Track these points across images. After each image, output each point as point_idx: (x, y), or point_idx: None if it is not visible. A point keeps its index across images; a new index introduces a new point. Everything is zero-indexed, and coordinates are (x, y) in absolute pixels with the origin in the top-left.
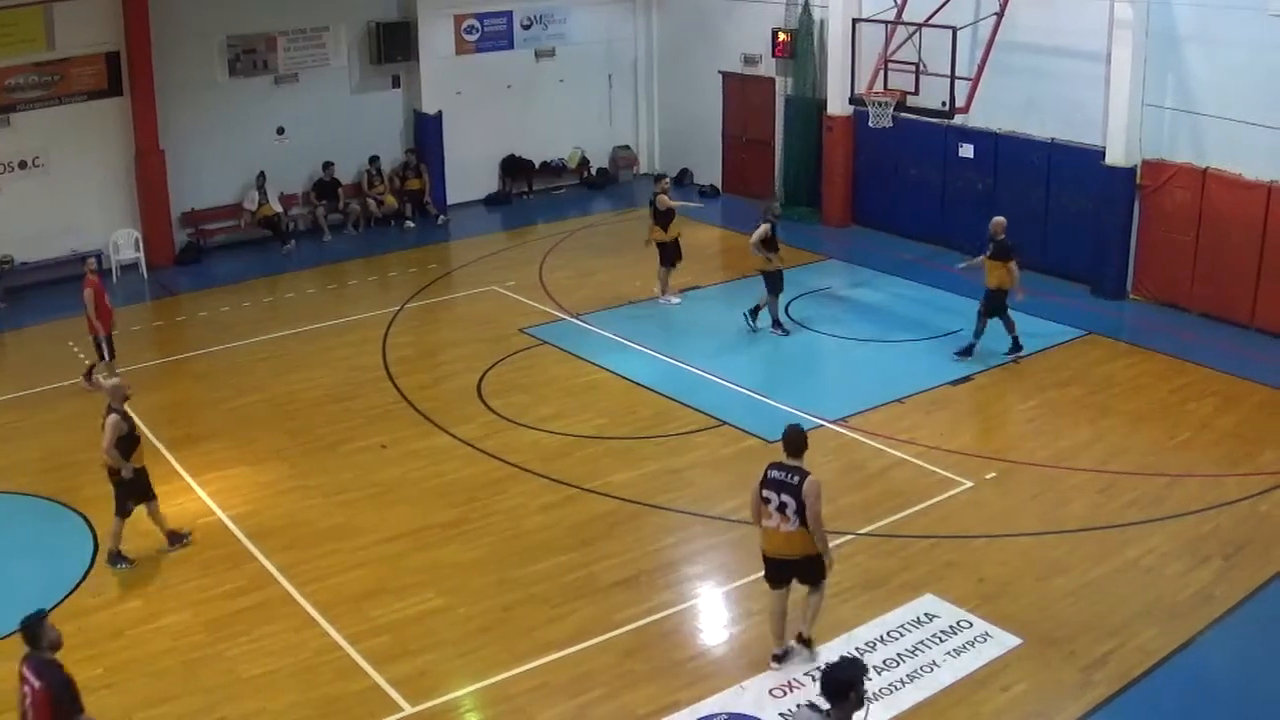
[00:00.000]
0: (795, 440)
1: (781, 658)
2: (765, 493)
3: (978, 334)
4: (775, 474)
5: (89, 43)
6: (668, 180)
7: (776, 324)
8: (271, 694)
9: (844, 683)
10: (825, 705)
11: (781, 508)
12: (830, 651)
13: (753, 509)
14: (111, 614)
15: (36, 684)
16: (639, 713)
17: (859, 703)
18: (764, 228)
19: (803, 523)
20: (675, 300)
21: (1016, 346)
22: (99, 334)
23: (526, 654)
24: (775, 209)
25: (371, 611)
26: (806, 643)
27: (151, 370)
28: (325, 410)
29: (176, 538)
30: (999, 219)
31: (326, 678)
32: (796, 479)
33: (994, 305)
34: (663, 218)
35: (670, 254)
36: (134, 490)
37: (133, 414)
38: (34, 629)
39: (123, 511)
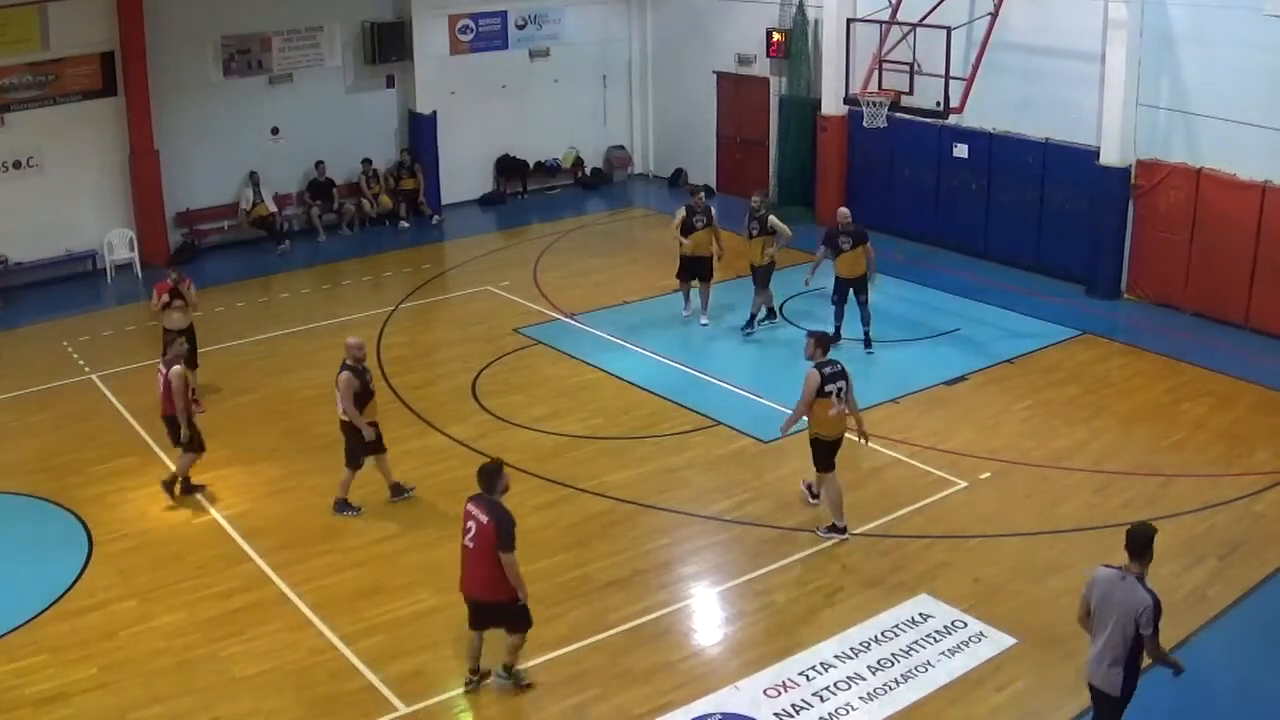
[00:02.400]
0: None
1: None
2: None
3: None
4: None
5: (84, 43)
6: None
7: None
8: (266, 694)
9: (1148, 538)
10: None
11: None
12: (824, 652)
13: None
14: (106, 614)
15: (484, 519)
16: (634, 712)
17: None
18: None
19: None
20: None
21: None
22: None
23: (521, 654)
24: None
25: (366, 611)
26: None
27: (146, 370)
28: (320, 410)
29: (400, 490)
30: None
31: (321, 678)
32: None
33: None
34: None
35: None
36: (368, 443)
37: (368, 369)
38: (492, 475)
39: (353, 464)
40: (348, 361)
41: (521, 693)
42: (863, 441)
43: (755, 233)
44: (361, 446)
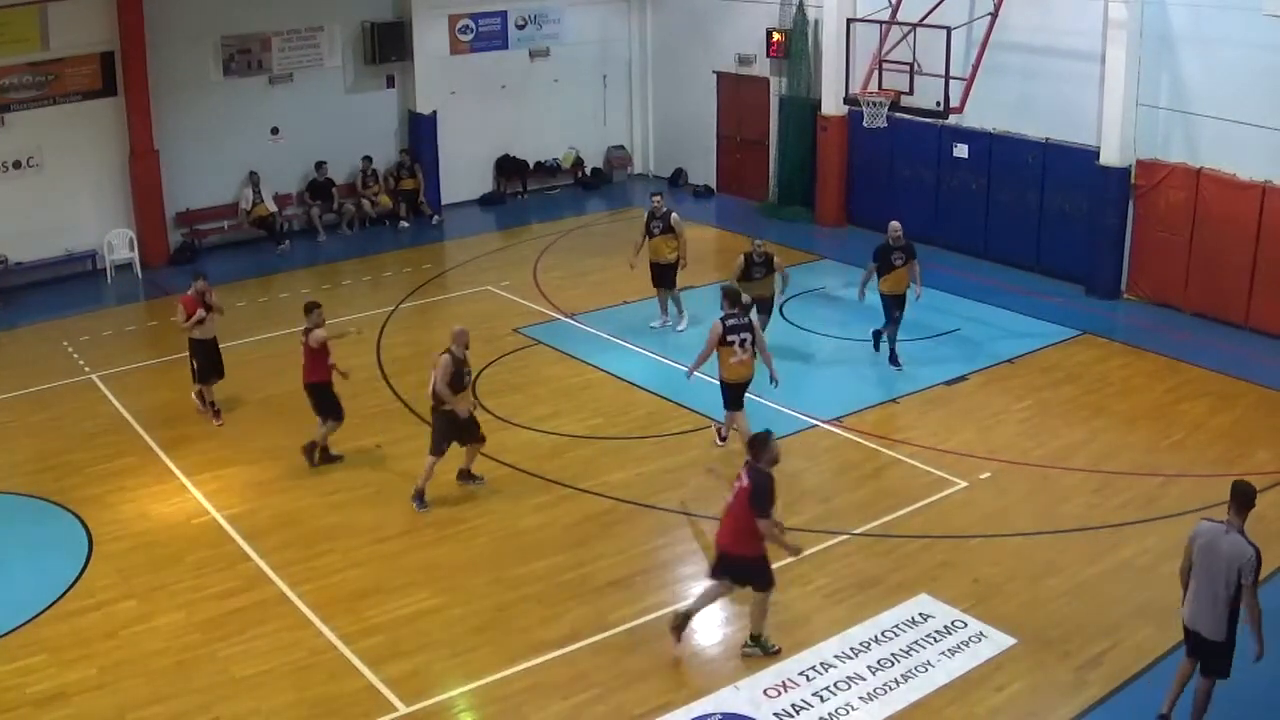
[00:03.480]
0: None
1: None
2: None
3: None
4: None
5: (84, 43)
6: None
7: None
8: (266, 694)
9: (1250, 494)
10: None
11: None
12: (825, 652)
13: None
14: (105, 614)
15: (745, 481)
16: (634, 712)
17: None
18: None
19: None
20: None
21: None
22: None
23: (521, 654)
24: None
25: (366, 611)
26: None
27: (146, 370)
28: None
29: (470, 477)
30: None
31: (321, 678)
32: None
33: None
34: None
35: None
36: (458, 431)
37: (467, 357)
38: (760, 443)
39: (437, 451)
40: (451, 348)
41: (772, 658)
42: (774, 385)
43: (658, 231)
44: (447, 433)
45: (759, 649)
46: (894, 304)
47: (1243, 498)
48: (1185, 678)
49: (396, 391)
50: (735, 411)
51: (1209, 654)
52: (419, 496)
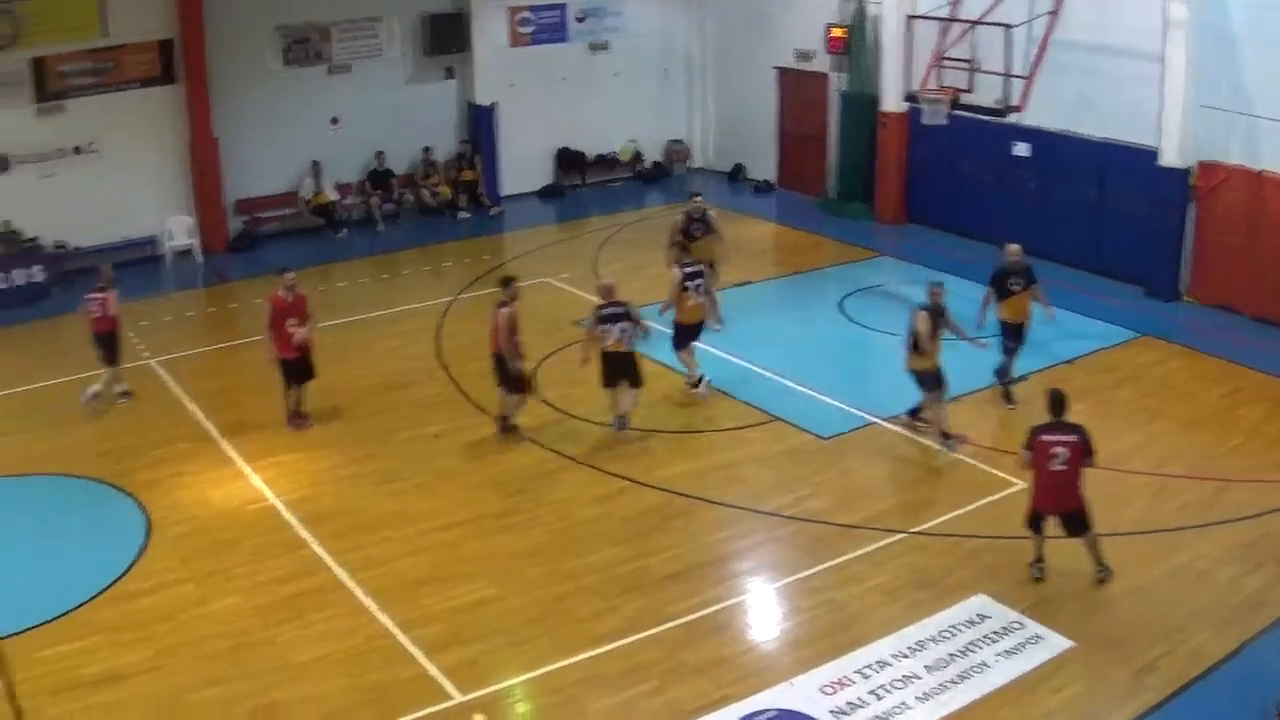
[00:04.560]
0: None
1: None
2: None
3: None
4: None
5: (143, 30)
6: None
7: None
8: (321, 680)
9: None
10: None
11: None
12: (881, 650)
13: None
14: (162, 597)
15: (1072, 438)
16: (688, 707)
17: None
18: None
19: None
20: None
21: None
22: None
23: (577, 645)
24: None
25: (423, 599)
26: None
27: (206, 356)
28: (378, 399)
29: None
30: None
31: (376, 664)
32: None
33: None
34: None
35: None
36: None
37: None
38: (1062, 399)
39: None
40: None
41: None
42: (716, 326)
43: (699, 234)
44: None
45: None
46: (1010, 333)
47: None
48: None
49: (456, 381)
50: (684, 350)
51: None
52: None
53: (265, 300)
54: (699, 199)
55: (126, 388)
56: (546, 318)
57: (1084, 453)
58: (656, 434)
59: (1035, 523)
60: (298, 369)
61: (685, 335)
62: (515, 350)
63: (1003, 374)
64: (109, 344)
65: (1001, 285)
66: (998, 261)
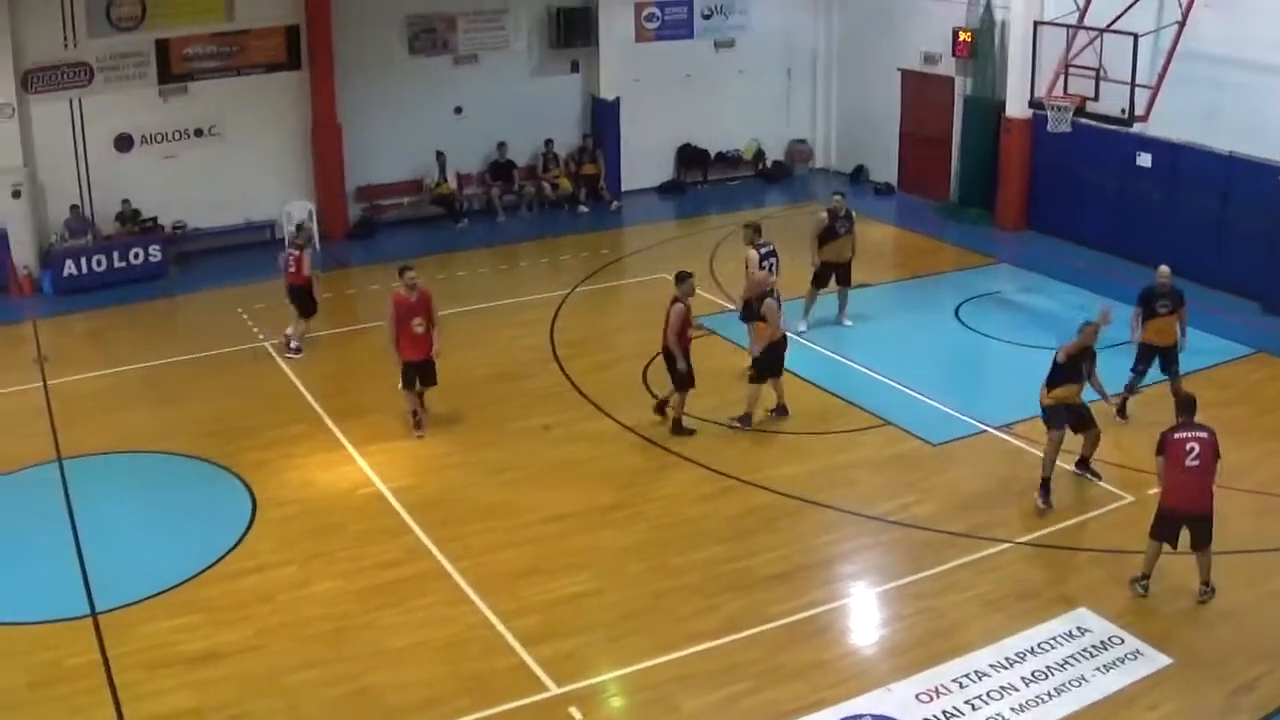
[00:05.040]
0: None
1: None
2: None
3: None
4: None
5: (269, 16)
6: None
7: None
8: (418, 666)
9: None
10: None
11: None
12: (979, 660)
13: None
14: (264, 578)
15: (1204, 434)
16: (785, 708)
17: None
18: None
19: None
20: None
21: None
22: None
23: (675, 642)
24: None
25: (524, 591)
26: None
27: (321, 340)
28: (491, 389)
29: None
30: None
31: (474, 653)
32: None
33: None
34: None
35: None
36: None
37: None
38: (1193, 402)
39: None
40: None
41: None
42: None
43: (844, 231)
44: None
45: (1212, 593)
46: (1153, 354)
47: None
48: None
49: (568, 374)
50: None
51: None
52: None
53: (388, 300)
54: (840, 197)
55: (295, 343)
56: (662, 314)
57: (1215, 452)
58: (766, 434)
59: (1162, 531)
60: (421, 372)
61: (751, 311)
62: (683, 347)
63: (1129, 388)
64: (300, 298)
65: (1149, 306)
66: (1149, 280)
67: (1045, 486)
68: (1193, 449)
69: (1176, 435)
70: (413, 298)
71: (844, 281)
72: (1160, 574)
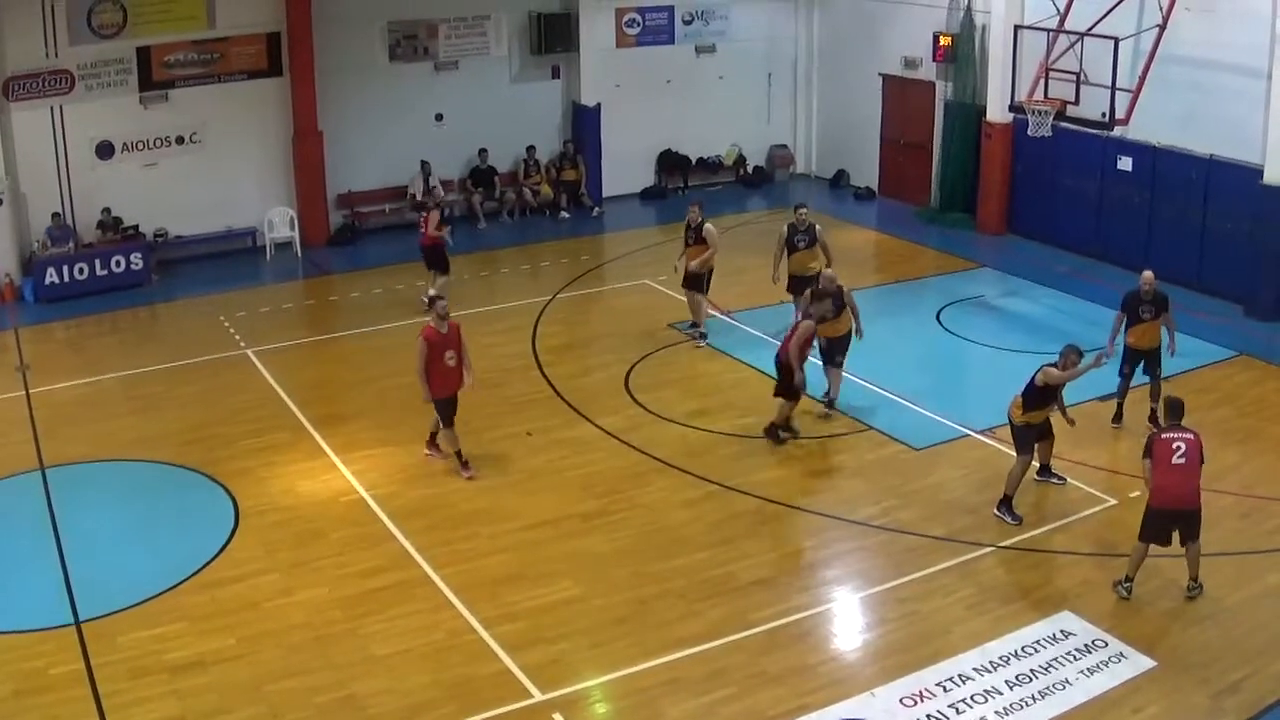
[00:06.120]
0: None
1: None
2: None
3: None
4: None
5: (249, 23)
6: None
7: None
8: (402, 673)
9: None
10: None
11: None
12: (964, 663)
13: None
14: (248, 586)
15: (1190, 435)
16: (768, 714)
17: None
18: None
19: None
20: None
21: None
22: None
23: (660, 648)
24: None
25: (508, 597)
26: None
27: (302, 348)
28: (473, 395)
29: (780, 430)
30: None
31: (458, 660)
32: None
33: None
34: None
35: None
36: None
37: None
38: (1180, 405)
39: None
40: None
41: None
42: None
43: (803, 245)
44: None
45: (1200, 588)
46: (1138, 358)
47: None
48: None
49: (550, 380)
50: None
51: None
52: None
53: (418, 337)
54: (803, 210)
55: (436, 294)
56: (643, 319)
57: (1201, 453)
58: (749, 439)
59: (1150, 532)
60: (453, 407)
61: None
62: (800, 361)
63: (1119, 396)
64: (431, 256)
65: (1132, 311)
66: (1131, 284)
67: (1009, 503)
68: (1179, 447)
69: (1163, 436)
70: (444, 330)
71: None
72: (1145, 576)
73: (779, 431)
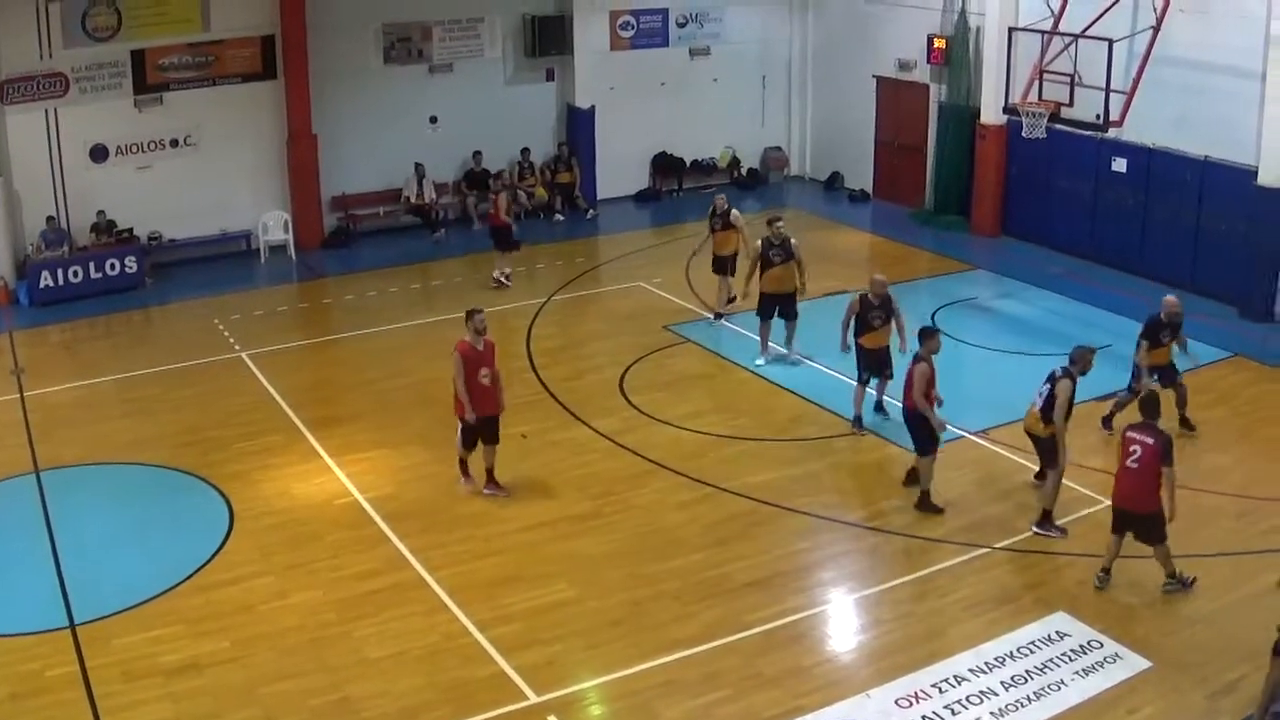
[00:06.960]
0: None
1: None
2: None
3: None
4: None
5: (244, 26)
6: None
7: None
8: (397, 676)
9: None
10: None
11: None
12: (959, 665)
13: None
14: (242, 589)
15: (1150, 441)
16: (764, 716)
17: None
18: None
19: None
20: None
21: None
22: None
23: (655, 650)
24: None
25: (503, 599)
26: None
27: (296, 350)
28: None
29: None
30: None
31: (453, 663)
32: None
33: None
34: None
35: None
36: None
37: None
38: (1155, 402)
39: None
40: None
41: (1188, 590)
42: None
43: (779, 260)
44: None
45: (1177, 585)
46: (1145, 374)
47: None
48: None
49: (545, 382)
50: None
51: None
52: (926, 501)
53: (454, 351)
54: (779, 224)
55: (504, 277)
56: (638, 321)
57: (1160, 457)
58: (743, 441)
59: (1112, 524)
60: (487, 430)
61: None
62: (930, 405)
63: (1119, 404)
64: (498, 237)
65: (1154, 337)
66: (1153, 310)
67: (1049, 518)
68: (1135, 450)
69: (1128, 433)
70: (480, 346)
71: (786, 315)
72: (1139, 577)
73: (931, 500)
